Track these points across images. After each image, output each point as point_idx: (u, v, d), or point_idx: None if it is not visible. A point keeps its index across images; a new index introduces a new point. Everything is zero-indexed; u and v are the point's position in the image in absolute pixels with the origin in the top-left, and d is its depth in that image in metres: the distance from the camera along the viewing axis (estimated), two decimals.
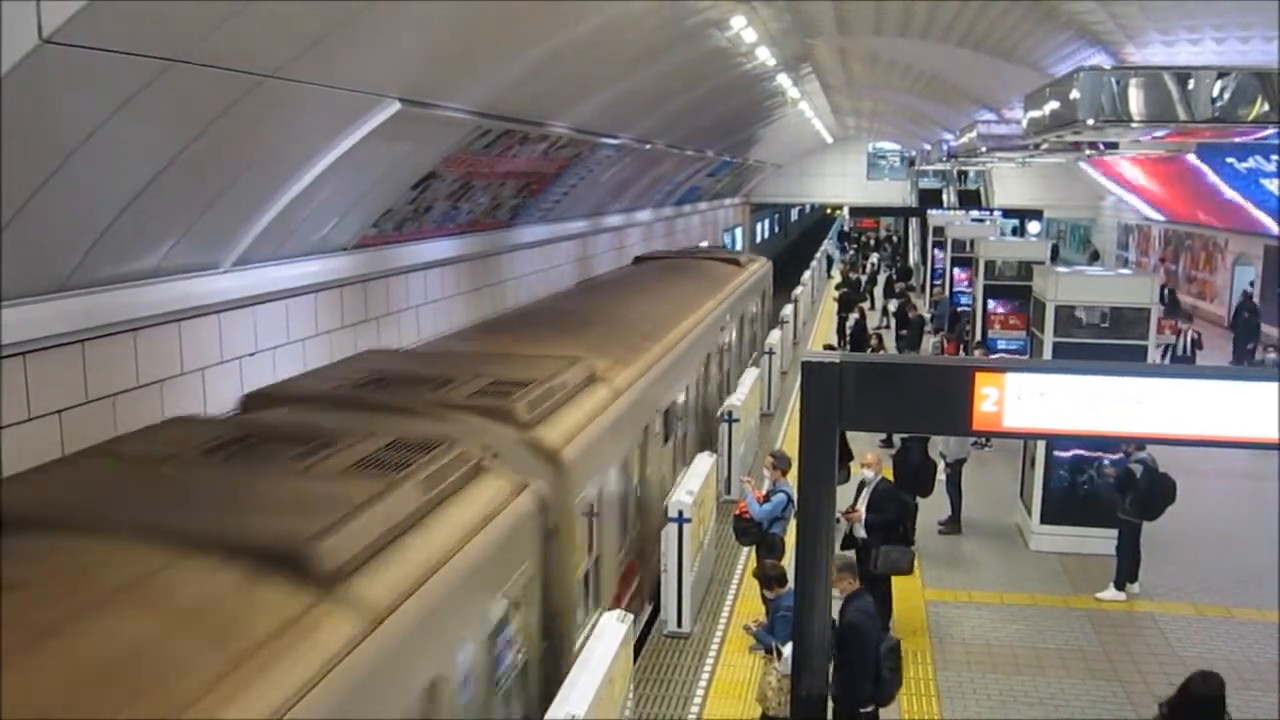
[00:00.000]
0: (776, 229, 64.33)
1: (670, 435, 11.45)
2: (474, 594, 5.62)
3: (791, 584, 6.17)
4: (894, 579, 9.46)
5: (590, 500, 7.95)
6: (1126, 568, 10.56)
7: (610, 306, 13.36)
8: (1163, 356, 18.74)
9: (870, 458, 9.90)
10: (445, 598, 5.10)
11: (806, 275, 32.50)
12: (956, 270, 26.37)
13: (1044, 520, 11.78)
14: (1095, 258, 37.21)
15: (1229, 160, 21.91)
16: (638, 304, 13.72)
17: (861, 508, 9.60)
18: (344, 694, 4.03)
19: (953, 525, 12.42)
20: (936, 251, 31.80)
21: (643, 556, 9.89)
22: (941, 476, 12.08)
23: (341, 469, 5.42)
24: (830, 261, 44.11)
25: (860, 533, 9.58)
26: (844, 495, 8.90)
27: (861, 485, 9.80)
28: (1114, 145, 15.63)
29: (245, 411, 7.40)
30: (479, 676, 5.69)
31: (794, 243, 64.11)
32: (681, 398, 12.13)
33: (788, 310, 24.14)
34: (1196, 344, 20.03)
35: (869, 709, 6.90)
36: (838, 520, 8.38)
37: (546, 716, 5.50)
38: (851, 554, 8.67)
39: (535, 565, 6.59)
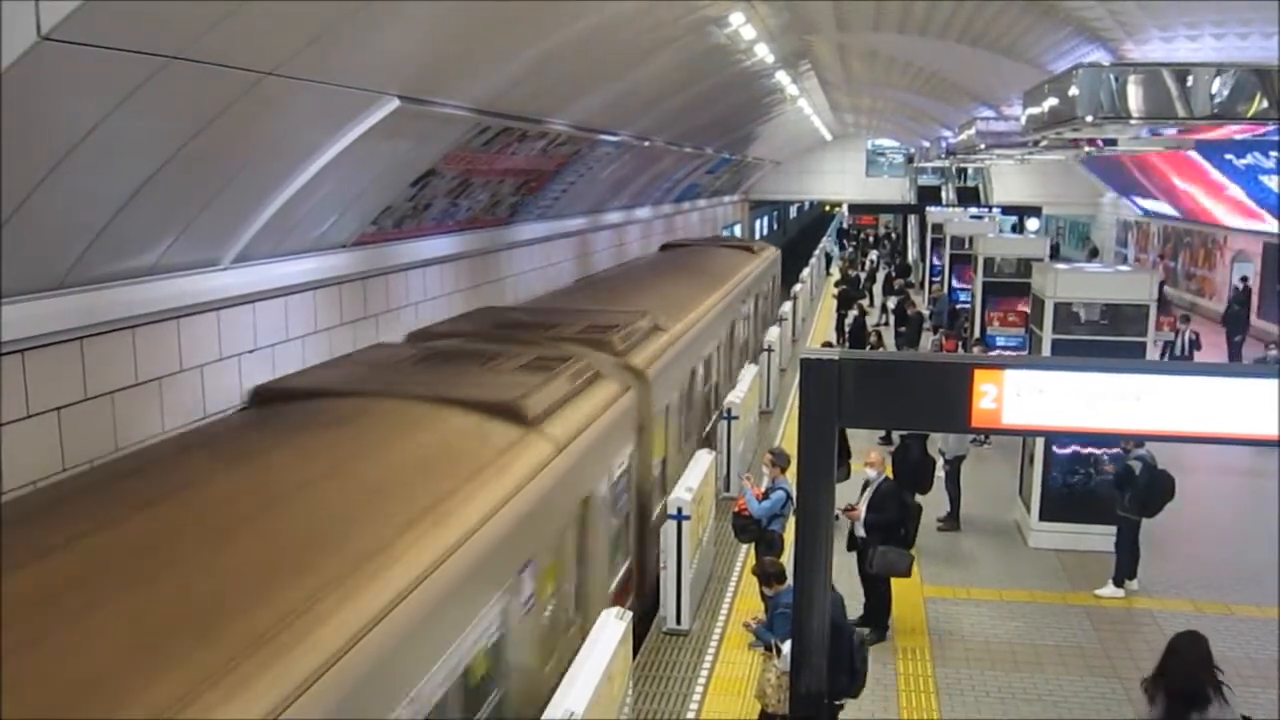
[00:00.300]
0: (775, 226, 64.26)
1: (708, 379, 14.30)
2: (607, 450, 8.20)
3: (790, 581, 6.18)
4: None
5: (662, 413, 10.65)
6: (1125, 564, 10.57)
7: (652, 280, 16.48)
8: (1161, 354, 18.74)
9: (874, 457, 9.91)
10: (594, 444, 7.73)
11: (805, 272, 32.47)
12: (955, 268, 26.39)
13: (1043, 517, 11.80)
14: (1094, 254, 37.19)
15: (1228, 156, 21.89)
16: (673, 279, 16.65)
17: (862, 507, 9.60)
18: (548, 487, 6.60)
19: (951, 522, 12.43)
20: (934, 253, 31.80)
21: None
22: (940, 473, 12.10)
23: (511, 369, 7.98)
24: (829, 259, 44.08)
25: (860, 531, 9.59)
26: (843, 493, 8.91)
27: (865, 484, 9.80)
28: (1113, 142, 15.61)
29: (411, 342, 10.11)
30: (607, 507, 8.28)
31: (793, 239, 64.00)
32: (715, 353, 14.97)
33: (787, 307, 24.15)
34: (1195, 344, 19.98)
35: (842, 702, 6.93)
36: (836, 518, 8.39)
37: (545, 715, 5.51)
38: None
39: (633, 449, 9.19)
